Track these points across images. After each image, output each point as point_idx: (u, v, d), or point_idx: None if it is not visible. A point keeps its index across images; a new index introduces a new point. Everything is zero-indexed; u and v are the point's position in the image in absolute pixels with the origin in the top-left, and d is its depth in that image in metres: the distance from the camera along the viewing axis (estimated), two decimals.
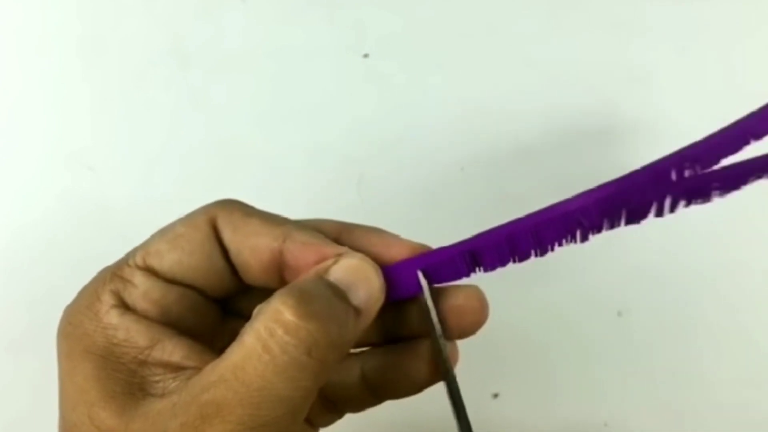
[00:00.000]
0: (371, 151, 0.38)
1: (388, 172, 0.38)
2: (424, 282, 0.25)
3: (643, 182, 0.24)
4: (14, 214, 0.38)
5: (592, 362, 0.38)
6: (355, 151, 0.38)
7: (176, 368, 0.22)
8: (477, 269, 0.25)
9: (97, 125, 0.39)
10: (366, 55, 0.39)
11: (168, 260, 0.24)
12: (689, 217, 0.38)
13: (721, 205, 0.38)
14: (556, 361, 0.38)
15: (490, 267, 0.25)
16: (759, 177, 0.26)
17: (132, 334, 0.23)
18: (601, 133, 0.38)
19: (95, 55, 0.39)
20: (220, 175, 0.38)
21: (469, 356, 0.38)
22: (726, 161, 0.25)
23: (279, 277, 0.24)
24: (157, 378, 0.22)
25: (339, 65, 0.39)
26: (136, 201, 0.38)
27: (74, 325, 0.23)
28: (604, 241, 0.37)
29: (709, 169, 0.25)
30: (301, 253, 0.24)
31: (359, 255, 0.24)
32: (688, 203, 0.25)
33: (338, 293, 0.22)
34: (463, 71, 0.38)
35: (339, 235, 0.25)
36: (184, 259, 0.24)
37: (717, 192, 0.26)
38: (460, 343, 0.36)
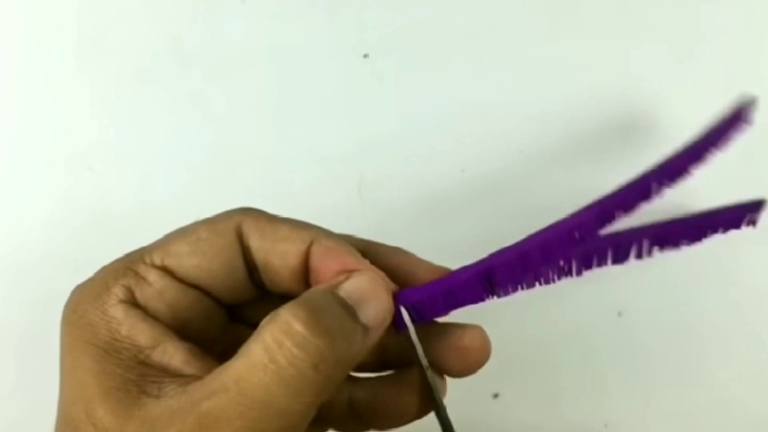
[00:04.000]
0: (371, 152, 0.38)
1: (389, 174, 0.38)
2: (407, 319, 0.24)
3: (630, 196, 0.26)
4: (14, 216, 0.38)
5: (592, 362, 0.38)
6: (355, 152, 0.38)
7: (174, 373, 0.22)
8: (492, 294, 0.25)
9: (97, 126, 0.39)
10: (366, 55, 0.39)
11: (187, 263, 0.24)
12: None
13: (721, 204, 0.38)
14: (557, 361, 0.38)
15: (503, 290, 0.25)
16: (722, 230, 0.30)
17: (135, 331, 0.22)
18: (601, 134, 0.38)
19: (95, 56, 0.39)
20: (220, 175, 0.38)
21: None
22: (694, 169, 0.27)
23: (306, 283, 0.24)
24: (154, 380, 0.22)
25: (339, 65, 0.39)
26: (136, 202, 0.38)
27: (79, 314, 0.23)
28: None
29: (678, 218, 0.28)
30: (325, 258, 0.24)
31: (372, 272, 0.24)
32: (661, 248, 0.28)
33: (348, 309, 0.22)
34: (463, 72, 0.38)
35: (364, 251, 0.25)
36: (204, 264, 0.24)
37: (684, 241, 0.29)
38: None
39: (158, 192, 0.38)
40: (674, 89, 0.38)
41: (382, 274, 0.24)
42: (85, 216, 0.38)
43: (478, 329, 0.26)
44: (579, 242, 0.24)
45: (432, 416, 0.26)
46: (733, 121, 0.30)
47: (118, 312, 0.23)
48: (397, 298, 0.24)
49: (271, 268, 0.24)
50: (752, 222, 0.32)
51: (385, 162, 0.38)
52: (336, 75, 0.39)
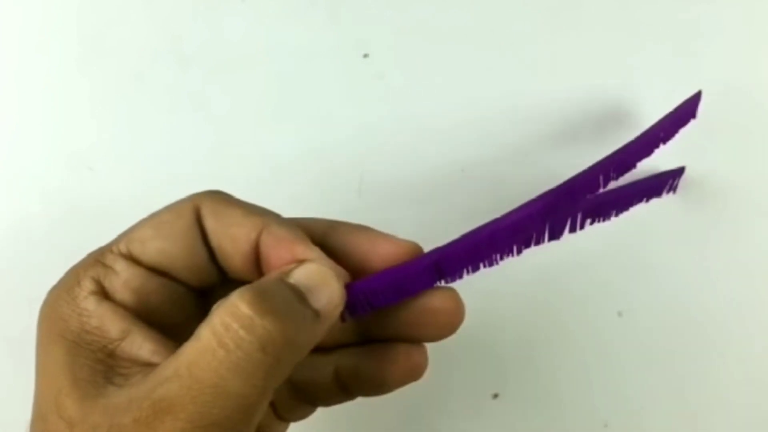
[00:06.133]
0: (371, 152, 0.38)
1: (389, 174, 0.38)
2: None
3: (579, 189, 0.27)
4: (14, 215, 0.38)
5: (592, 362, 0.38)
6: (355, 151, 0.38)
7: (143, 363, 0.22)
8: (441, 280, 0.25)
9: (97, 125, 0.39)
10: (366, 55, 0.39)
11: (150, 248, 0.24)
12: (689, 217, 0.38)
13: (720, 204, 0.38)
14: (556, 361, 0.38)
15: (450, 277, 0.25)
16: (646, 199, 0.33)
17: (105, 322, 0.22)
18: (603, 134, 0.38)
19: (95, 56, 0.39)
20: (219, 175, 0.38)
21: (469, 356, 0.38)
22: (641, 164, 0.29)
23: (258, 270, 0.24)
24: (123, 371, 0.22)
25: (339, 65, 0.39)
26: (136, 201, 0.38)
27: (53, 308, 0.23)
28: (603, 240, 0.38)
29: (606, 189, 0.29)
30: (275, 248, 0.23)
31: (323, 261, 0.23)
32: (592, 221, 0.30)
33: (298, 294, 0.22)
34: (463, 72, 0.38)
35: (326, 233, 0.25)
36: (167, 247, 0.24)
37: (613, 212, 0.31)
38: (460, 343, 0.36)
39: (158, 192, 0.38)
40: (675, 90, 0.38)
41: (332, 263, 0.24)
42: (84, 215, 0.38)
43: (450, 290, 0.25)
44: (524, 233, 0.26)
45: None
46: (683, 115, 0.31)
47: (89, 304, 0.23)
48: (349, 288, 0.24)
49: (224, 253, 0.24)
50: (673, 188, 0.34)
51: (385, 162, 0.38)
52: (336, 75, 0.39)
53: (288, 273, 0.23)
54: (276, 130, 0.39)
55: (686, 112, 0.32)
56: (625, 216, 0.34)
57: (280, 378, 0.21)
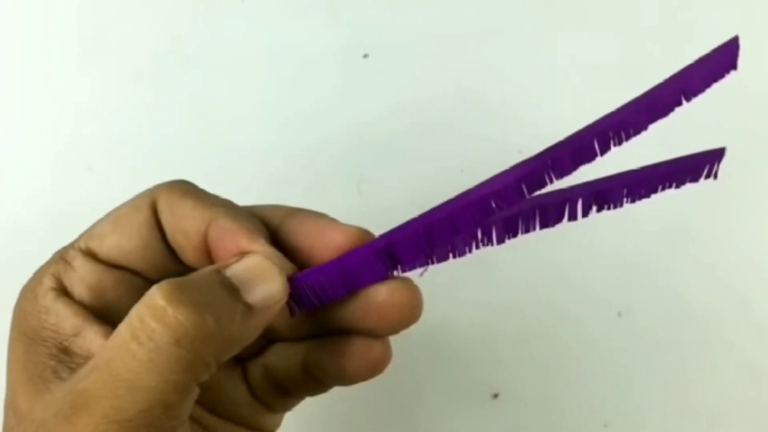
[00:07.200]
0: (371, 152, 0.38)
1: (388, 174, 0.38)
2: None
3: (564, 156, 0.22)
4: (13, 216, 0.38)
5: (592, 362, 0.38)
6: (355, 151, 0.38)
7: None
8: (396, 269, 0.23)
9: (97, 126, 0.39)
10: (366, 55, 0.39)
11: (107, 243, 0.23)
12: (689, 216, 0.38)
13: (720, 204, 0.38)
14: (556, 361, 0.38)
15: (408, 266, 0.23)
16: (675, 184, 0.26)
17: (60, 319, 0.22)
18: None
19: (95, 56, 0.39)
20: (219, 175, 0.38)
21: (469, 356, 0.38)
22: (654, 126, 0.23)
23: (212, 262, 0.23)
24: (74, 367, 0.22)
25: (339, 65, 0.39)
26: None
27: (19, 305, 0.23)
28: (603, 240, 0.38)
29: (621, 173, 0.24)
30: (222, 240, 0.23)
31: (266, 253, 0.22)
32: (600, 208, 0.24)
33: (228, 287, 0.21)
34: (463, 71, 0.38)
35: (282, 221, 0.24)
36: (124, 241, 0.23)
37: (627, 198, 0.25)
38: (460, 343, 0.36)
39: None
40: None
41: (278, 255, 0.23)
42: (84, 216, 0.38)
43: (402, 282, 0.23)
44: (496, 212, 0.21)
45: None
46: (716, 66, 0.25)
47: (47, 300, 0.23)
48: (295, 281, 0.23)
49: (178, 246, 0.24)
50: (712, 174, 0.26)
51: (385, 162, 0.38)
52: (336, 75, 0.39)
53: (226, 266, 0.22)
54: (276, 130, 0.39)
55: (720, 61, 0.25)
56: (625, 216, 0.34)
57: (203, 372, 0.20)
